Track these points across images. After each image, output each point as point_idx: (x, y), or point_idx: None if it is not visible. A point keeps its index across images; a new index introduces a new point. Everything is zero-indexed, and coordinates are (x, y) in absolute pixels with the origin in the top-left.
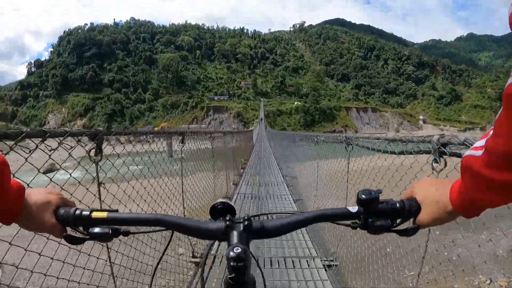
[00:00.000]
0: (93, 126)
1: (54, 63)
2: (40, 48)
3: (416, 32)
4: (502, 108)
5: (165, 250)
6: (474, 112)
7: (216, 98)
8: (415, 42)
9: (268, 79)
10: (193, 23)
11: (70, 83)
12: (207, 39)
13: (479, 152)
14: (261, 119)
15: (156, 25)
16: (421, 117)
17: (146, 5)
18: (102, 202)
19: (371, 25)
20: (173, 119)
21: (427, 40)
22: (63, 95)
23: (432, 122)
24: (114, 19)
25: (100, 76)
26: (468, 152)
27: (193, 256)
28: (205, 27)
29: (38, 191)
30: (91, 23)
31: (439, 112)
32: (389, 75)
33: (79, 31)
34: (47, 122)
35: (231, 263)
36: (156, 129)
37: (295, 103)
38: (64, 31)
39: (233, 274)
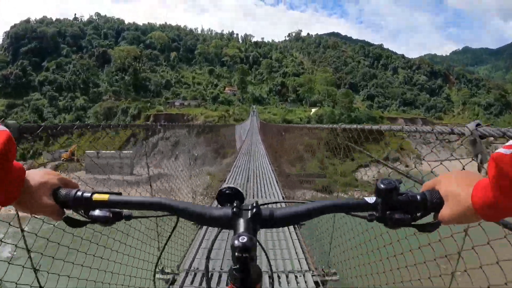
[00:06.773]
0: None
1: None
2: None
3: (410, 49)
4: None
5: (170, 235)
6: None
7: (177, 103)
8: (411, 58)
9: (263, 87)
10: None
11: None
12: (187, 40)
13: (510, 151)
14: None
15: (126, 22)
16: None
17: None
18: None
19: (366, 40)
20: (100, 139)
21: (423, 54)
22: None
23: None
24: (75, 14)
25: (30, 77)
26: (498, 150)
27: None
28: (187, 29)
29: (36, 172)
30: (44, 16)
31: (491, 125)
32: (402, 85)
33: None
34: None
35: (236, 254)
36: (63, 156)
37: (314, 110)
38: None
39: (237, 265)
